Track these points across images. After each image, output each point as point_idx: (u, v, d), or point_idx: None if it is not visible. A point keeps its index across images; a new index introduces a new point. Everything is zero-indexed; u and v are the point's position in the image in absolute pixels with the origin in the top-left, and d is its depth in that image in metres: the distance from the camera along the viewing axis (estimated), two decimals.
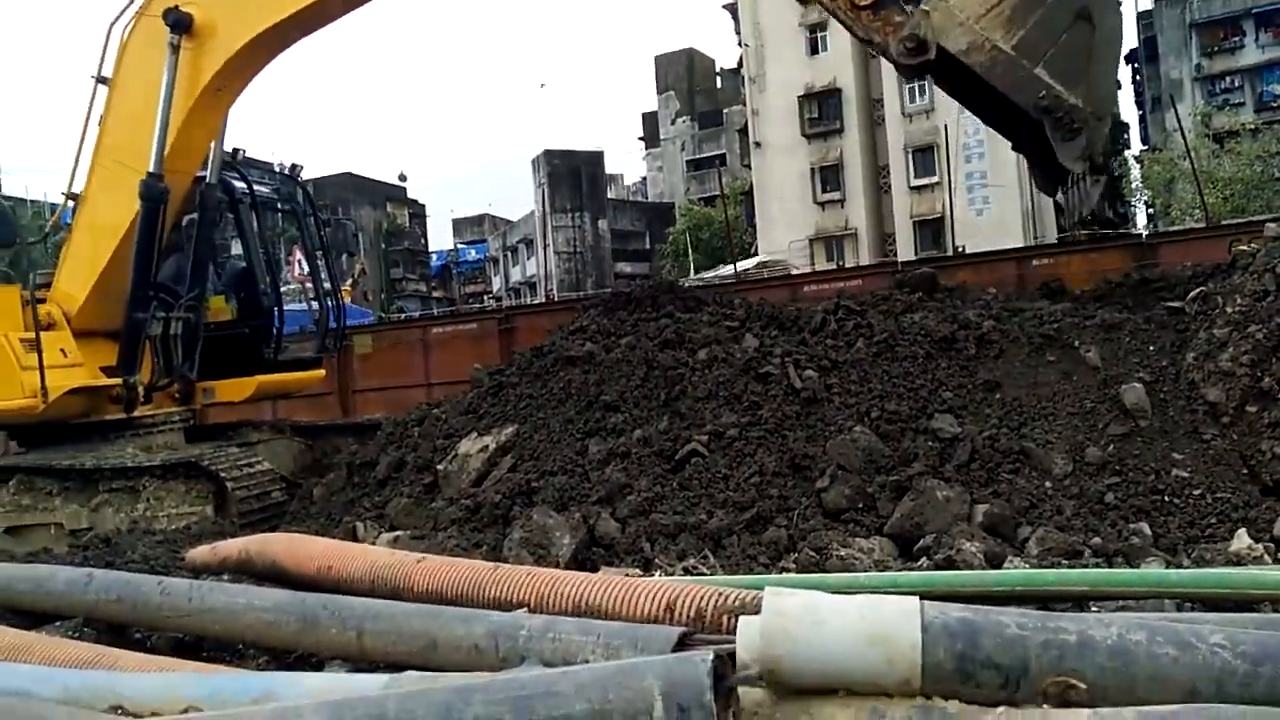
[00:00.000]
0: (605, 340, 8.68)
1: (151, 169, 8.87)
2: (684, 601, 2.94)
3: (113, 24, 9.27)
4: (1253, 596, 3.59)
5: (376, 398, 16.54)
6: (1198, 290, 7.18)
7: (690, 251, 41.44)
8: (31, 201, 54.34)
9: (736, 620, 2.65)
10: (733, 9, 48.02)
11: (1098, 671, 2.09)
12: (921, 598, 2.16)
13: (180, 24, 8.88)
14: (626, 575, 4.11)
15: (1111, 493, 6.03)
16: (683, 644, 2.68)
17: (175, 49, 8.89)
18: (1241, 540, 5.22)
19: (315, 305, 11.48)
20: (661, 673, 1.94)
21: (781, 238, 41.58)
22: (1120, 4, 7.95)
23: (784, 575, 4.81)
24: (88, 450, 9.27)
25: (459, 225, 77.18)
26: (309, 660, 3.56)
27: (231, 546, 4.69)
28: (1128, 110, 68.67)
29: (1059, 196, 8.65)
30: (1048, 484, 6.21)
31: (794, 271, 24.45)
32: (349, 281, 36.69)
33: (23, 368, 8.73)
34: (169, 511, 8.97)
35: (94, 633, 4.10)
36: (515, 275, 65.28)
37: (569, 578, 3.32)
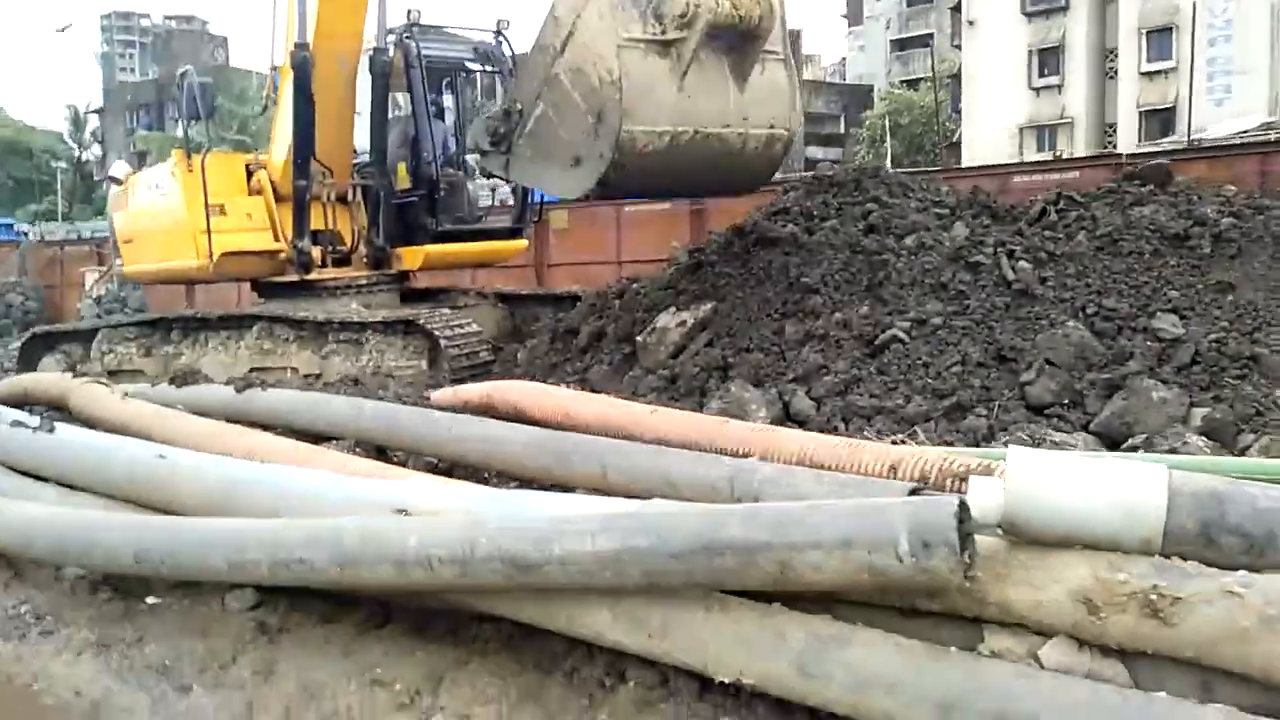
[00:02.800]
0: (807, 222, 8.66)
1: (297, 38, 9.22)
2: (909, 463, 3.08)
3: None
4: None
5: (568, 272, 17.28)
6: None
7: (888, 138, 39.67)
8: (256, 73, 58.39)
9: (962, 483, 2.79)
10: None
11: None
12: None
13: None
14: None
15: None
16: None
17: None
18: None
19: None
20: (908, 511, 2.11)
21: (989, 125, 39.11)
22: None
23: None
24: (317, 306, 10.26)
25: None
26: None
27: (472, 391, 5.17)
28: None
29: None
30: (1278, 392, 5.87)
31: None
32: None
33: (201, 231, 9.60)
34: (389, 364, 9.81)
35: (362, 453, 4.71)
36: None
37: (795, 435, 3.52)
